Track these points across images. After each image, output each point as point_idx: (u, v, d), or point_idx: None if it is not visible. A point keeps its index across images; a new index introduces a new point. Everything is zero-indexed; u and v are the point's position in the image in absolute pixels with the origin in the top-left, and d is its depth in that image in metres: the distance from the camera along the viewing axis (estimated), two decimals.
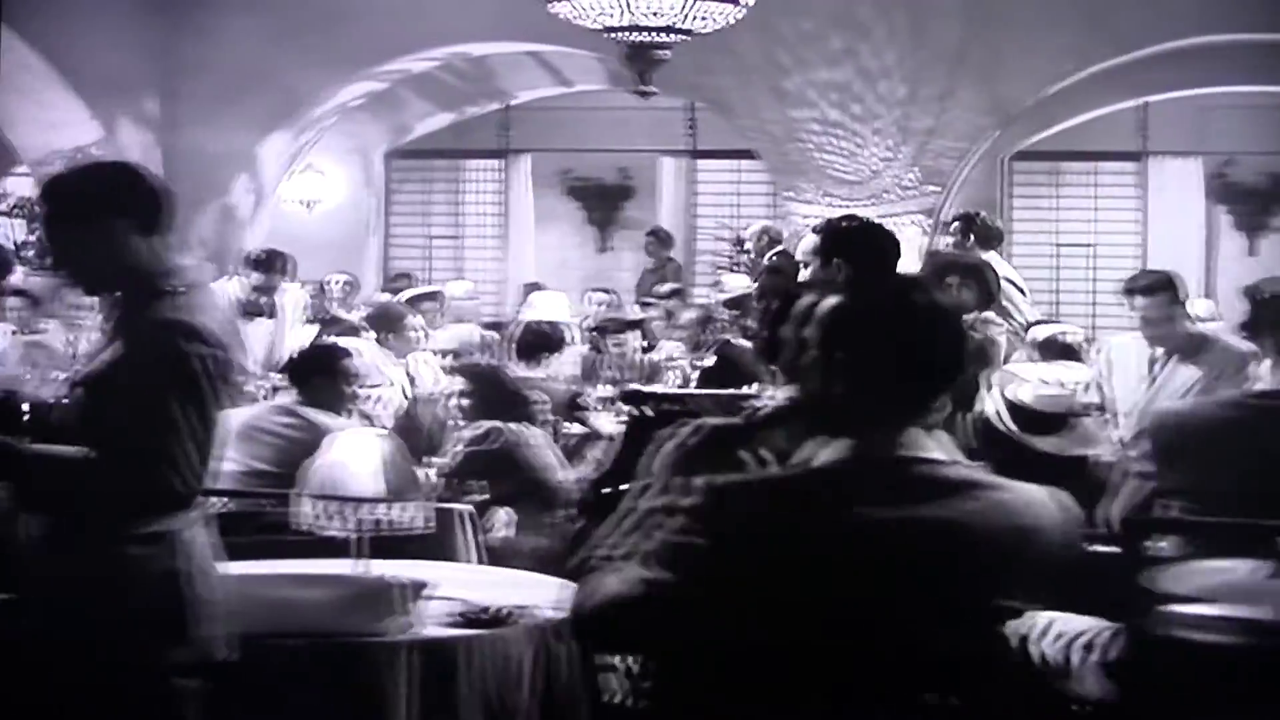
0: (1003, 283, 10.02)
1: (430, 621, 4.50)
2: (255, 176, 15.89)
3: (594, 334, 8.86)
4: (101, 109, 14.99)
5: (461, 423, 6.92)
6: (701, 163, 18.19)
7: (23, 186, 17.77)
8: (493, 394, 6.75)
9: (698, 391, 4.26)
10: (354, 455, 4.72)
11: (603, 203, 19.06)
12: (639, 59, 10.19)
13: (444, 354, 7.60)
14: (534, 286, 15.53)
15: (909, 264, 14.61)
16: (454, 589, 4.72)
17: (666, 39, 10.16)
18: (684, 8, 9.75)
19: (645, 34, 10.11)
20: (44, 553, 3.93)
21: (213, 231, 15.56)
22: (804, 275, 5.86)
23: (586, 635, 3.30)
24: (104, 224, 3.97)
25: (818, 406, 2.64)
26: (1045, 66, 14.19)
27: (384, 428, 6.98)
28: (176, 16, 15.05)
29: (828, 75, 14.40)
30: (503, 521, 6.49)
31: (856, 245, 5.70)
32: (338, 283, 13.49)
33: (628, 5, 9.82)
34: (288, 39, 14.78)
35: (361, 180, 18.63)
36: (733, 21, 10.32)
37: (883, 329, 2.63)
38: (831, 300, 2.65)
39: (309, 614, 4.31)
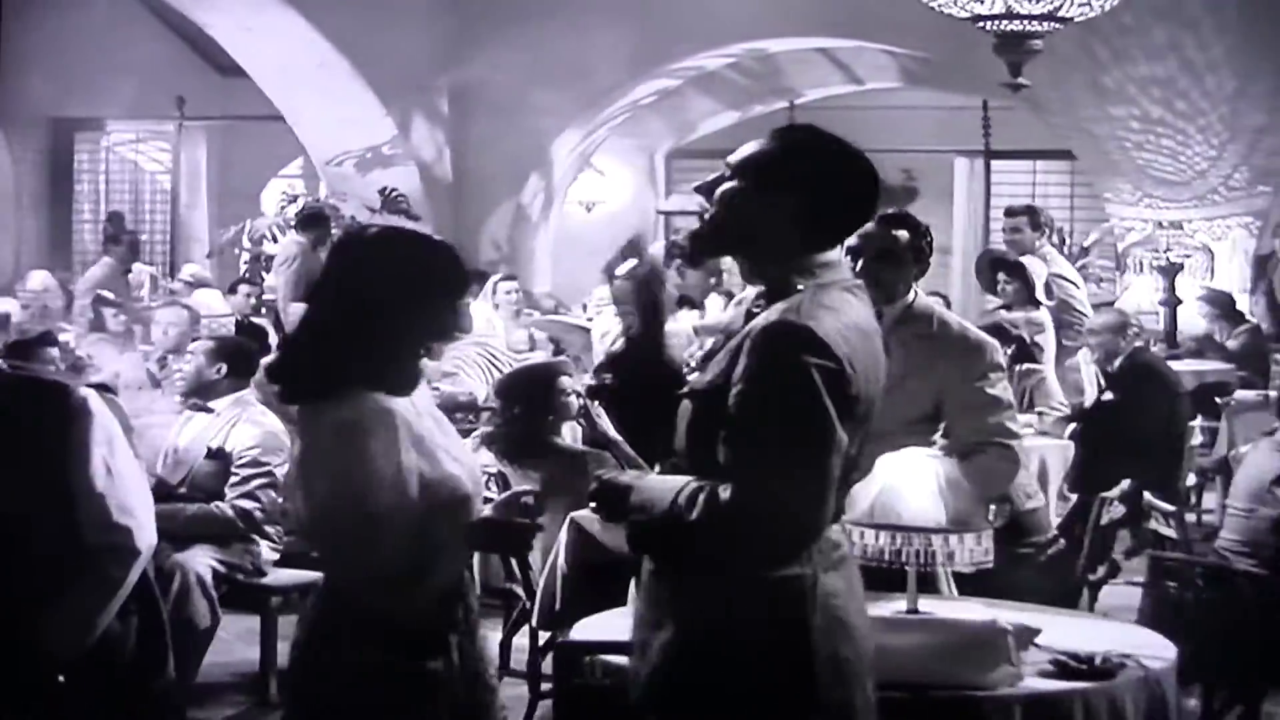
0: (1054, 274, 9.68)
1: (1031, 672, 3.95)
2: (545, 176, 15.57)
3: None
4: (396, 107, 14.72)
5: None
6: (996, 163, 17.52)
7: (299, 189, 17.63)
8: None
9: None
10: (907, 478, 4.18)
11: (885, 205, 18.43)
12: (1011, 49, 9.55)
13: None
14: None
15: (1232, 270, 13.96)
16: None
17: (1041, 28, 9.51)
18: None
19: (1020, 22, 9.47)
20: (656, 600, 3.40)
21: (505, 234, 15.24)
22: None
23: None
24: (775, 197, 3.35)
25: None
26: None
27: None
28: (471, 13, 14.75)
29: (1149, 70, 13.68)
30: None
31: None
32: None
33: None
34: (585, 35, 14.43)
35: (644, 180, 18.25)
36: (1109, 8, 9.66)
37: None
38: None
39: (909, 663, 3.77)
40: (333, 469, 3.46)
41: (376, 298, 3.53)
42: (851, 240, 5.08)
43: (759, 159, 3.42)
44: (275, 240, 15.13)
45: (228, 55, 16.12)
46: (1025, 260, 9.62)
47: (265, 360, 3.84)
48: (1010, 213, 10.89)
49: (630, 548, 3.44)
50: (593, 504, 3.42)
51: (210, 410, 7.26)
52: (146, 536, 3.85)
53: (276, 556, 7.18)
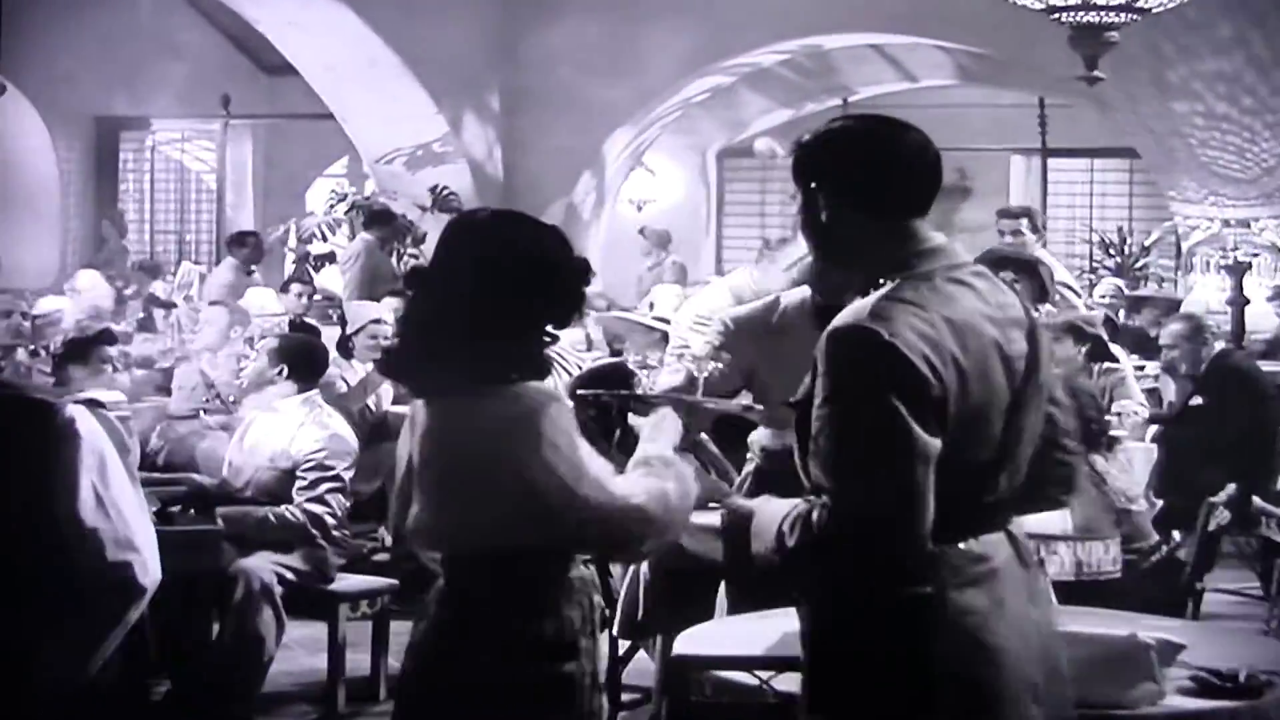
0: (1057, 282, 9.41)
1: (1169, 689, 3.70)
2: (597, 174, 15.33)
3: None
4: (447, 103, 14.50)
5: None
6: (1053, 161, 17.26)
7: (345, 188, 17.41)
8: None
9: None
10: None
11: (938, 204, 18.18)
12: (1087, 41, 9.30)
13: None
14: None
15: None
16: None
17: (1118, 19, 9.25)
18: None
19: (1097, 13, 9.22)
20: (800, 619, 3.16)
21: None
22: None
23: None
24: (822, 194, 3.19)
25: None
26: None
27: None
28: (523, 8, 14.55)
29: (1215, 65, 13.36)
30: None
31: None
32: None
33: None
34: (638, 31, 14.21)
35: (696, 179, 18.03)
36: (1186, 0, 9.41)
37: None
38: None
39: None
40: (527, 462, 3.32)
41: (508, 282, 3.42)
42: None
43: (796, 166, 3.27)
44: (325, 239, 14.98)
45: (273, 54, 15.96)
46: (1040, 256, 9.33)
47: (382, 355, 3.62)
48: (1009, 214, 10.53)
49: (758, 574, 3.21)
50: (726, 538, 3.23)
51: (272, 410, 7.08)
52: (151, 572, 3.44)
53: (343, 562, 6.99)
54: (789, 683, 3.58)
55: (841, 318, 3.09)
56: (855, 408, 2.99)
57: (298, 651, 7.26)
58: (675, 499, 3.49)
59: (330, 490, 6.81)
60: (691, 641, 4.03)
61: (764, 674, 3.59)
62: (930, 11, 13.67)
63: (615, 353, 11.16)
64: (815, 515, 2.99)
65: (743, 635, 3.97)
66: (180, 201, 19.33)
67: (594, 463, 3.39)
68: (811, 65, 16.36)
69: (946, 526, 3.04)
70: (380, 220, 13.46)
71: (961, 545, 3.08)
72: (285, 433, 6.90)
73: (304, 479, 6.79)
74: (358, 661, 6.90)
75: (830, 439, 2.99)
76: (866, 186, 3.20)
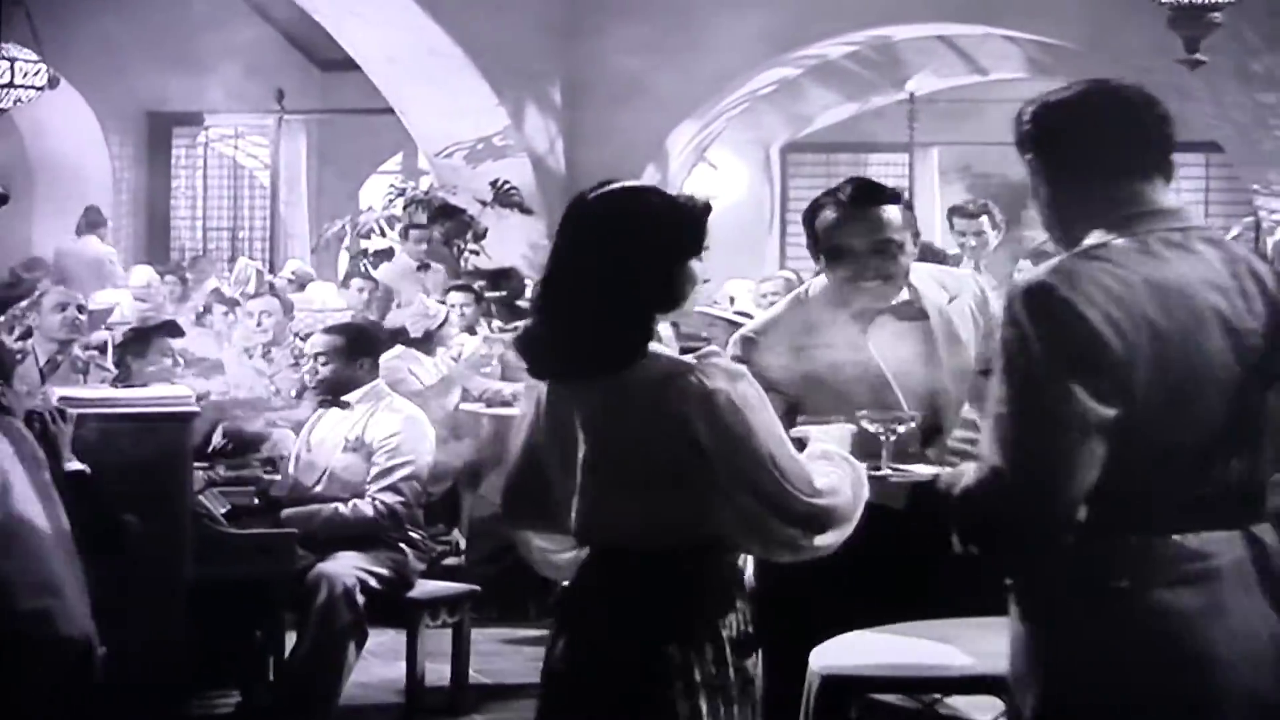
0: None
1: None
2: (661, 168, 14.97)
3: None
4: (508, 96, 14.17)
5: None
6: None
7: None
8: None
9: None
10: None
11: (1007, 201, 17.84)
12: (1188, 22, 8.99)
13: None
14: None
15: None
16: None
17: None
18: None
19: None
20: None
21: None
22: None
23: None
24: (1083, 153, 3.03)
25: None
26: None
27: None
28: None
29: None
30: None
31: None
32: None
33: None
34: (704, 21, 13.85)
35: (759, 175, 17.69)
36: None
37: None
38: None
39: None
40: (731, 445, 3.17)
41: (650, 257, 3.35)
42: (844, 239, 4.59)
43: (1017, 140, 3.24)
44: (383, 234, 14.71)
45: (327, 49, 15.73)
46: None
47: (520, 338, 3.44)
48: (966, 214, 10.00)
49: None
50: None
51: (347, 405, 6.74)
52: (77, 620, 2.97)
53: (424, 566, 6.64)
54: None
55: (1027, 274, 2.91)
56: (1016, 365, 2.79)
57: (371, 661, 6.91)
58: (858, 495, 3.33)
59: (405, 478, 6.47)
60: (833, 659, 3.64)
61: (927, 696, 3.24)
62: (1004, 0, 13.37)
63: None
64: (966, 481, 2.82)
65: (886, 651, 3.62)
66: (233, 198, 19.14)
67: (793, 449, 3.26)
68: (878, 58, 16.00)
69: (1153, 515, 2.78)
70: (446, 215, 13.23)
71: (1176, 538, 2.79)
72: (357, 422, 6.59)
73: (377, 464, 6.46)
74: (434, 672, 6.57)
75: (995, 399, 2.81)
76: (1075, 152, 3.08)
